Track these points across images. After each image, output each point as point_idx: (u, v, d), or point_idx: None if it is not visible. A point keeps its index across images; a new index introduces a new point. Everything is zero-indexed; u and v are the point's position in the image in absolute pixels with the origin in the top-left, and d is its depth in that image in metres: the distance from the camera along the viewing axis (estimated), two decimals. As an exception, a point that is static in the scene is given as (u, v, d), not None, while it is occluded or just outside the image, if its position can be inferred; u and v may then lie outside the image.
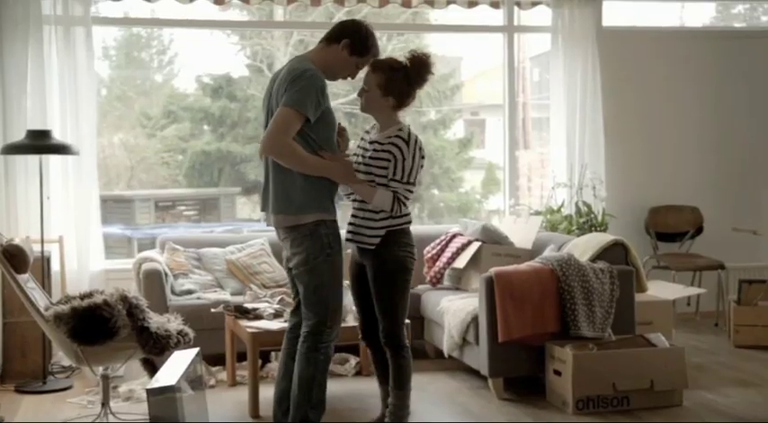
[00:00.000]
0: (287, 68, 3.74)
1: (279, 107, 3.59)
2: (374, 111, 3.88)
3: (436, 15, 7.24)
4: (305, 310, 3.76)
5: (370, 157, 3.83)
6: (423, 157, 3.85)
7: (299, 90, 3.57)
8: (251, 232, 6.23)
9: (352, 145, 4.02)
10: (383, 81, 3.80)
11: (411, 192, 3.82)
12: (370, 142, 3.89)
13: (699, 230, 6.86)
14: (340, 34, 3.80)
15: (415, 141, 3.81)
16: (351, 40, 3.78)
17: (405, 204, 3.81)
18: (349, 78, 3.92)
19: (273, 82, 3.79)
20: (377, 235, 3.79)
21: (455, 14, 6.73)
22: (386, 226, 3.79)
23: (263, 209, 3.87)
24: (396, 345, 3.91)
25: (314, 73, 3.63)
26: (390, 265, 3.82)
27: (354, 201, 3.90)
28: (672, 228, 6.86)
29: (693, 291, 6.30)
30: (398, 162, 3.76)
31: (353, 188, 3.83)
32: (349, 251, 4.03)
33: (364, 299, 3.98)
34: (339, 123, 3.88)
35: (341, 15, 7.33)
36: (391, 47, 8.36)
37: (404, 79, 3.81)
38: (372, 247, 3.81)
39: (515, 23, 6.74)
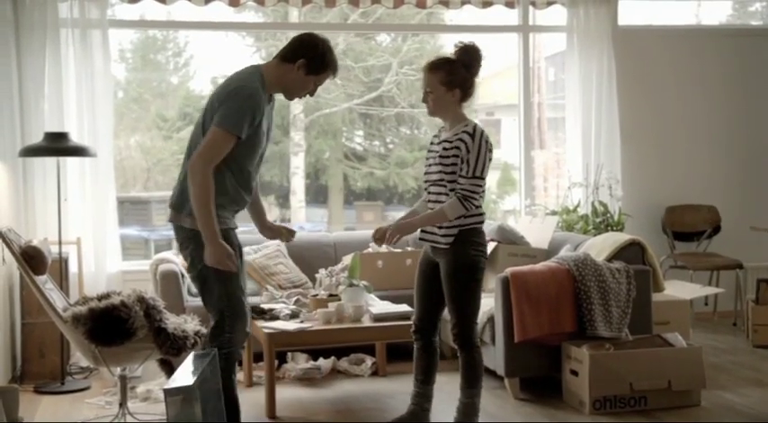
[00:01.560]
0: (229, 78, 3.63)
1: (212, 125, 3.50)
2: (442, 110, 3.89)
3: (451, 16, 7.24)
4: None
5: (440, 156, 3.87)
6: (490, 151, 3.84)
7: (235, 110, 3.46)
8: (267, 233, 6.23)
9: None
10: (445, 76, 3.82)
11: (479, 186, 3.81)
12: (440, 142, 3.92)
13: (716, 229, 6.81)
14: (295, 54, 3.63)
15: (481, 135, 3.81)
16: (306, 60, 3.62)
17: (475, 199, 3.79)
18: (308, 96, 3.79)
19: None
20: (450, 234, 3.83)
21: (470, 15, 6.73)
22: (458, 225, 3.83)
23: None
24: (468, 344, 3.94)
25: (251, 92, 3.50)
26: (463, 264, 3.84)
27: (429, 202, 3.94)
28: (689, 227, 6.82)
29: (711, 290, 6.26)
30: (463, 157, 3.78)
31: (426, 225, 3.88)
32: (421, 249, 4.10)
33: (427, 294, 4.03)
34: (289, 228, 3.94)
35: (355, 17, 7.35)
36: (406, 47, 8.37)
37: (462, 67, 3.84)
38: (446, 247, 3.84)
39: (530, 23, 6.72)
